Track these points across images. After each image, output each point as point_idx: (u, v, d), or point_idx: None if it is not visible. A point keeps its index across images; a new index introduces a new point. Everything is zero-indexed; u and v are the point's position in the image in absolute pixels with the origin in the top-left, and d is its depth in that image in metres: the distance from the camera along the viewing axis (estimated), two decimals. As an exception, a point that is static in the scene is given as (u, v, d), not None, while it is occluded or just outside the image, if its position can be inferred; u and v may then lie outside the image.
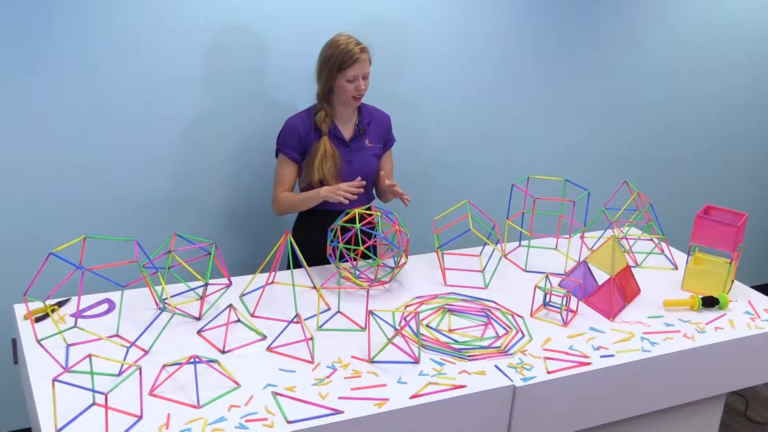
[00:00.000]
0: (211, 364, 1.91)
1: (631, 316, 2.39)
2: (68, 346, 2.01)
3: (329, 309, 2.32)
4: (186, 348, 2.04)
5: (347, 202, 2.54)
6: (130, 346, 2.00)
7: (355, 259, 2.54)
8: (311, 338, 2.05)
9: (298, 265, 2.44)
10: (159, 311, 2.23)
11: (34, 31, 2.49)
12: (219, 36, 2.77)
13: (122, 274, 2.29)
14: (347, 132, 2.71)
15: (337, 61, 2.56)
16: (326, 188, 2.59)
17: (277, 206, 2.72)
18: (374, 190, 2.84)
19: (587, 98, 3.61)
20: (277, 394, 1.85)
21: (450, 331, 2.22)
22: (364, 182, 2.58)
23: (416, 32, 3.11)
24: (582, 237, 2.87)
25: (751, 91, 4.06)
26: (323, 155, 2.62)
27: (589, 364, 2.09)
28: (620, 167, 3.79)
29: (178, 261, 2.25)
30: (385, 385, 1.93)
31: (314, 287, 2.41)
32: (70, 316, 2.17)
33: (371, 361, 2.03)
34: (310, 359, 2.02)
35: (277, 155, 2.71)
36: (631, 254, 2.84)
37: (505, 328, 2.26)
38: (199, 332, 2.14)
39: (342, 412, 1.80)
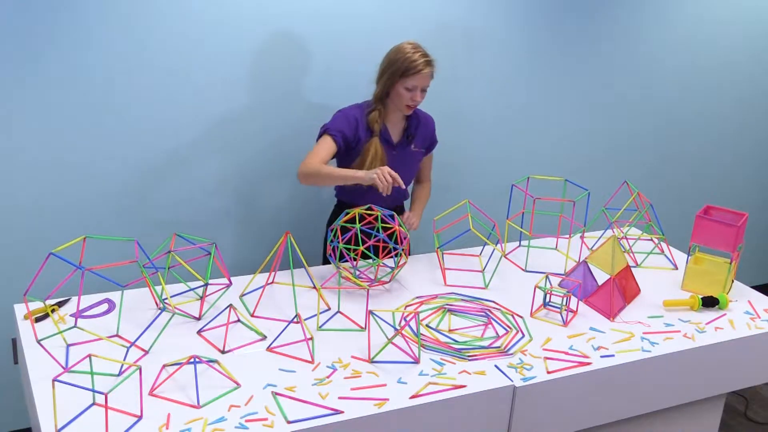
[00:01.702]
0: (211, 364, 1.91)
1: (631, 316, 2.39)
2: (68, 346, 2.01)
3: (329, 309, 2.32)
4: (186, 348, 2.04)
5: (382, 190, 2.42)
6: (130, 346, 2.00)
7: (355, 259, 2.54)
8: (311, 338, 2.05)
9: (298, 264, 2.44)
10: (159, 311, 2.23)
11: (41, 27, 2.49)
12: (214, 37, 2.77)
13: (122, 274, 2.29)
14: (396, 135, 2.70)
15: (400, 68, 2.54)
16: (364, 171, 2.48)
17: (303, 168, 2.55)
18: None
19: (587, 98, 3.61)
20: (277, 394, 1.85)
21: (450, 331, 2.22)
22: (401, 185, 2.47)
23: (413, 32, 3.11)
24: (582, 237, 2.87)
25: (751, 90, 4.06)
26: (374, 156, 2.60)
27: (589, 364, 2.09)
28: (620, 167, 3.80)
29: (178, 261, 2.25)
30: (385, 385, 1.93)
31: (314, 287, 2.41)
32: (70, 316, 2.17)
33: (371, 361, 2.03)
34: (310, 359, 2.02)
35: (320, 135, 2.62)
36: (631, 254, 2.84)
37: (505, 328, 2.26)
38: (199, 332, 2.14)
39: (342, 412, 1.80)
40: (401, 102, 2.60)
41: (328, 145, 2.59)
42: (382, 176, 2.42)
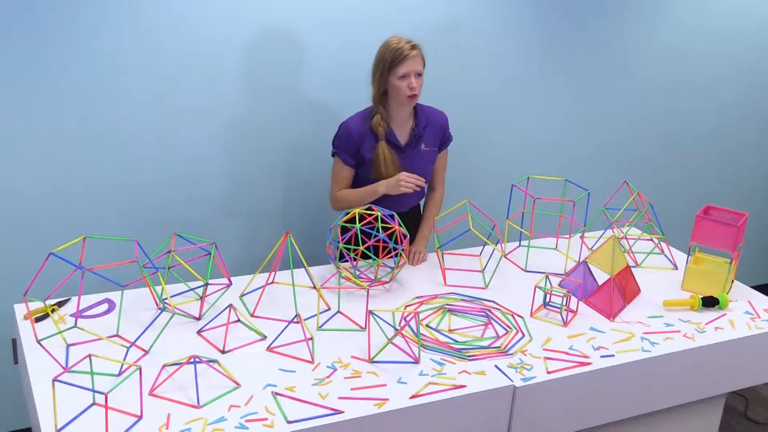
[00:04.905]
0: (211, 364, 1.91)
1: (631, 316, 2.39)
2: (68, 346, 2.01)
3: (329, 309, 2.32)
4: (186, 348, 2.04)
5: (411, 191, 2.56)
6: (130, 346, 2.00)
7: (355, 259, 2.54)
8: (311, 338, 2.05)
9: (298, 264, 2.44)
10: (159, 311, 2.23)
11: (56, 27, 2.49)
12: (207, 37, 2.78)
13: (122, 274, 2.29)
14: (403, 137, 2.67)
15: (388, 60, 2.55)
16: (385, 182, 2.58)
17: (335, 204, 2.72)
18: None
19: (588, 98, 3.61)
20: (277, 394, 1.85)
21: (450, 331, 2.22)
22: (423, 181, 2.58)
23: (413, 30, 3.11)
24: (582, 237, 2.87)
25: (751, 90, 4.06)
26: (384, 161, 2.61)
27: (589, 364, 2.09)
28: (620, 167, 3.80)
29: (178, 261, 2.25)
30: (385, 385, 1.93)
31: (314, 287, 2.41)
32: (70, 316, 2.17)
33: (371, 361, 2.03)
34: (310, 359, 2.02)
35: (333, 156, 2.70)
36: (631, 254, 2.83)
37: (505, 328, 2.26)
38: (199, 332, 2.14)
39: (342, 412, 1.80)
40: (401, 95, 2.57)
41: (344, 169, 2.68)
42: (406, 183, 2.54)
